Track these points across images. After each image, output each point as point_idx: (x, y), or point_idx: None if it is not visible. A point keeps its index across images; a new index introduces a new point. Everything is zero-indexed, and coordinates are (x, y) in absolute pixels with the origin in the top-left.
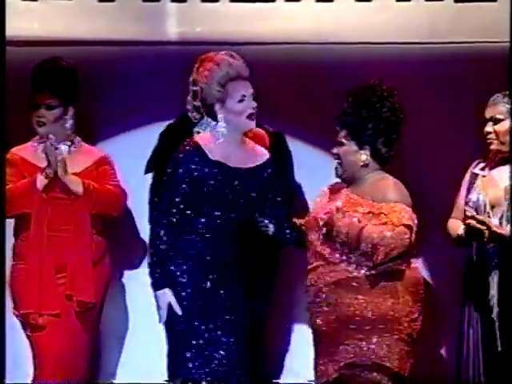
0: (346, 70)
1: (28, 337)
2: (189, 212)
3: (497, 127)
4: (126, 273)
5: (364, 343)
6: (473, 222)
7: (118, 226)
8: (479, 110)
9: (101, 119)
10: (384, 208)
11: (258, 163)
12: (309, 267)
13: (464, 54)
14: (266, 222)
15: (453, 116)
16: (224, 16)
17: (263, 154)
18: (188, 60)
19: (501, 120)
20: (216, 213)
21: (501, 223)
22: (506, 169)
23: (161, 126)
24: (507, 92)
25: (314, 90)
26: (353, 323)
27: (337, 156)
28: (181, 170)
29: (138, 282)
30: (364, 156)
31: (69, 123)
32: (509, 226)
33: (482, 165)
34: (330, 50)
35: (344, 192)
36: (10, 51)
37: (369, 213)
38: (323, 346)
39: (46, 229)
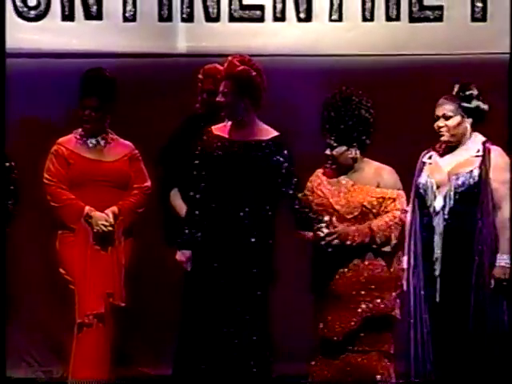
0: (322, 78)
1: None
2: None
3: (448, 122)
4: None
5: (379, 300)
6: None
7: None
8: (426, 110)
9: (123, 120)
10: (394, 195)
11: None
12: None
13: (418, 65)
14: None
15: (405, 115)
16: (224, 33)
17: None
18: (196, 69)
19: (451, 117)
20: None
21: (445, 200)
22: (448, 157)
23: (170, 125)
24: (453, 94)
25: (296, 94)
26: (372, 283)
27: (330, 157)
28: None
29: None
30: (354, 153)
31: (107, 121)
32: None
33: (428, 154)
34: (309, 61)
35: (343, 181)
36: (60, 63)
37: (381, 198)
38: (344, 304)
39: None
